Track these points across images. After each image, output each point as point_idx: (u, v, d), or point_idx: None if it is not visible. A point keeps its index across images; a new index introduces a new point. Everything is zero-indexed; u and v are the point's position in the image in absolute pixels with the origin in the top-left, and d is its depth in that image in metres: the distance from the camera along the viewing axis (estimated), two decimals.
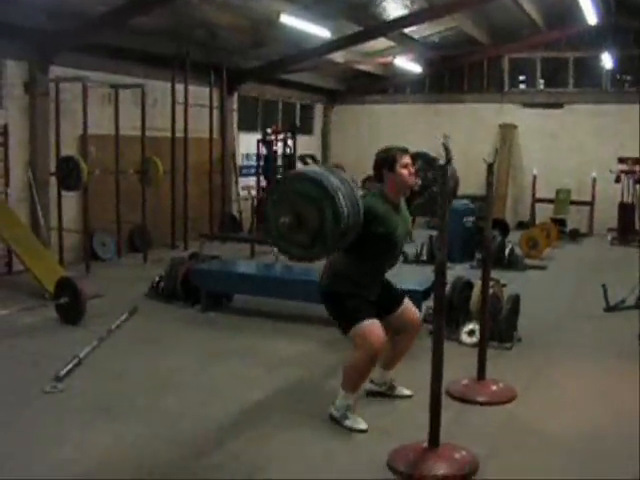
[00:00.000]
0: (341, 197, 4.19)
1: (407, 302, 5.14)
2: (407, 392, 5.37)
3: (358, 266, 4.74)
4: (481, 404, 5.28)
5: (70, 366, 5.81)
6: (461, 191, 12.64)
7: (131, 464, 4.24)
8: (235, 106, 15.24)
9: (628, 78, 16.66)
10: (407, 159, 4.82)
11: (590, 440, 4.68)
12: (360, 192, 4.59)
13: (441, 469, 4.15)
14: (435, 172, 5.33)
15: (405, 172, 4.77)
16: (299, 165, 15.33)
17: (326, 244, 4.31)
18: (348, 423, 4.76)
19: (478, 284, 6.31)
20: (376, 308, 4.81)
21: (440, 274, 4.17)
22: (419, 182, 5.05)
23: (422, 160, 5.46)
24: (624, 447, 4.53)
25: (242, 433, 4.75)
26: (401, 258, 10.58)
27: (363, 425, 4.74)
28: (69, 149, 10.41)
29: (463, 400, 5.30)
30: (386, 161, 4.81)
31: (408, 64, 16.08)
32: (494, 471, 4.19)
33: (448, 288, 6.67)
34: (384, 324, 4.76)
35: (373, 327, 4.64)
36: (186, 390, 5.58)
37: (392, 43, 15.00)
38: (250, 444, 4.57)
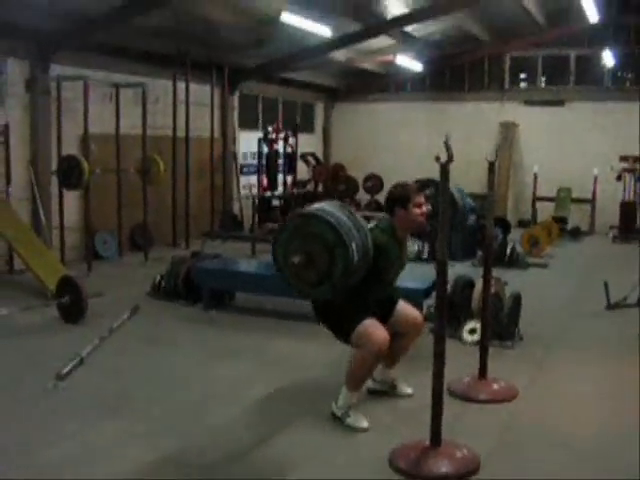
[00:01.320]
0: (354, 246, 4.23)
1: (402, 304, 5.16)
2: (409, 390, 5.38)
3: (354, 287, 4.66)
4: (483, 402, 5.28)
5: (72, 365, 5.82)
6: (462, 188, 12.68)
7: (133, 463, 4.24)
8: (236, 104, 15.25)
9: (629, 76, 16.66)
10: (421, 198, 4.87)
11: (591, 439, 4.69)
12: (369, 224, 4.67)
13: (443, 467, 4.15)
14: (434, 188, 5.36)
15: (418, 211, 4.83)
16: (300, 163, 15.42)
17: (332, 286, 4.31)
18: (350, 421, 4.76)
19: (479, 282, 6.30)
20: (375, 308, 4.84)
21: (441, 273, 4.17)
22: (429, 208, 5.01)
23: (433, 187, 5.49)
24: (625, 446, 4.53)
25: (244, 432, 4.75)
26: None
27: (365, 423, 4.75)
28: (70, 148, 10.41)
29: (465, 398, 5.30)
30: (400, 199, 4.85)
31: (409, 62, 16.07)
32: (495, 470, 4.19)
33: (449, 287, 6.67)
34: (387, 328, 4.77)
35: (375, 325, 4.65)
36: (189, 389, 5.59)
37: (393, 41, 14.97)
38: (252, 443, 4.57)
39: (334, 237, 4.23)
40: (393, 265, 4.88)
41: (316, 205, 4.62)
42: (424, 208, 4.86)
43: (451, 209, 4.69)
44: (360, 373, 4.78)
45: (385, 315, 4.98)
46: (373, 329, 4.63)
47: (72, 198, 10.70)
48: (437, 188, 5.40)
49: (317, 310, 4.90)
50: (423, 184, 5.18)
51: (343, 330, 4.75)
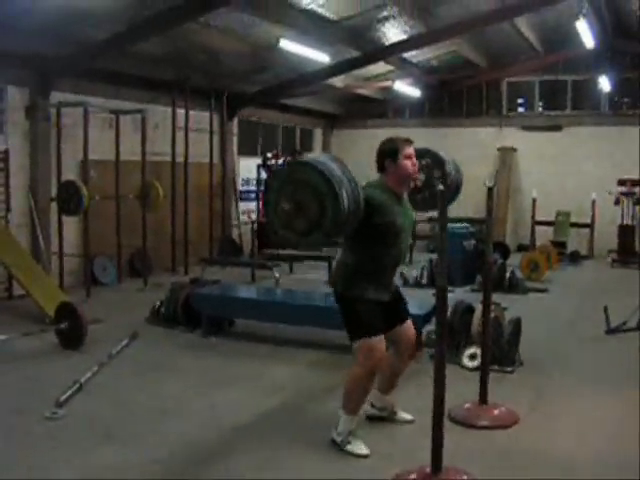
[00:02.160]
0: (344, 194, 4.17)
1: (409, 322, 5.13)
2: (408, 417, 5.34)
3: (364, 259, 4.70)
4: (483, 428, 5.26)
5: (71, 392, 5.79)
6: (461, 214, 12.73)
7: None
8: (235, 130, 15.32)
9: (626, 100, 16.76)
10: (411, 150, 4.78)
11: (591, 465, 4.66)
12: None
13: None
14: (440, 172, 5.32)
15: (408, 163, 4.74)
16: None
17: (322, 234, 4.30)
18: (350, 448, 4.73)
19: (479, 308, 6.30)
20: (385, 316, 4.79)
21: (441, 299, 4.17)
22: (422, 177, 4.99)
23: (430, 158, 5.42)
24: (625, 473, 4.51)
25: (243, 459, 4.73)
26: (401, 281, 10.62)
27: (365, 450, 4.72)
28: (70, 174, 10.45)
29: (465, 424, 5.28)
30: (389, 151, 4.77)
31: (407, 88, 16.16)
32: None
33: (449, 312, 6.67)
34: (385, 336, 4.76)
35: (379, 345, 4.64)
36: (187, 416, 5.55)
37: (391, 67, 15.10)
38: (251, 470, 4.54)
39: (325, 185, 4.18)
40: (396, 221, 4.70)
41: (310, 155, 4.64)
42: (414, 159, 4.78)
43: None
44: (355, 393, 4.76)
45: (393, 321, 4.95)
46: (376, 348, 4.62)
47: (71, 224, 10.71)
48: (434, 160, 5.39)
49: (336, 298, 4.85)
50: (420, 153, 5.11)
51: (353, 331, 4.73)
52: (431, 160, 5.39)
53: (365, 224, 4.52)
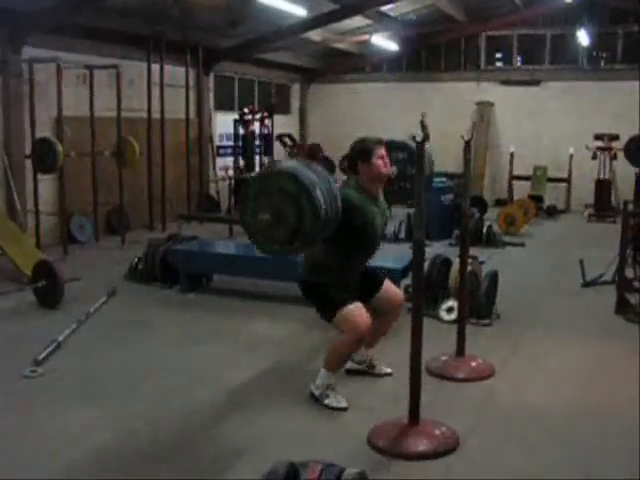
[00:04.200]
0: (318, 191, 4.14)
1: (387, 283, 5.17)
2: (387, 370, 5.40)
3: (337, 257, 4.74)
4: (460, 381, 5.33)
5: (49, 350, 5.78)
6: (438, 168, 12.73)
7: (112, 450, 4.24)
8: (211, 86, 15.14)
9: (604, 55, 16.72)
10: (382, 150, 4.81)
11: (568, 414, 4.75)
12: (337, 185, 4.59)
13: (421, 445, 4.18)
14: (407, 152, 5.36)
15: (380, 163, 4.77)
16: (276, 144, 15.37)
17: (306, 239, 4.23)
18: (328, 401, 4.78)
19: (456, 261, 6.34)
20: (358, 293, 4.83)
21: (418, 252, 4.18)
22: (395, 170, 5.02)
23: (407, 153, 5.46)
24: (601, 420, 4.63)
25: (224, 415, 4.77)
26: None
27: (343, 403, 4.77)
28: (44, 131, 10.29)
29: (443, 377, 5.34)
30: (362, 153, 4.80)
31: (385, 42, 16.01)
32: (474, 446, 4.24)
33: (426, 266, 6.71)
34: (367, 307, 4.77)
35: (358, 310, 4.66)
36: (167, 373, 5.57)
37: (369, 21, 14.93)
38: (232, 426, 4.59)
39: (295, 186, 4.14)
40: (374, 222, 4.77)
41: (271, 166, 4.65)
42: (387, 159, 4.81)
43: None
44: (341, 356, 4.83)
45: (369, 292, 5.00)
46: (356, 314, 4.63)
47: (47, 182, 10.59)
48: (396, 147, 5.45)
49: (303, 288, 4.92)
50: (396, 146, 5.14)
51: (326, 310, 4.75)
52: (407, 156, 5.44)
53: (344, 226, 4.49)
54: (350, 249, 4.76)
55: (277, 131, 15.35)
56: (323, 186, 4.21)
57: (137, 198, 12.39)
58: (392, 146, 5.29)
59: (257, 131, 14.24)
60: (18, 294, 7.57)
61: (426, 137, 4.04)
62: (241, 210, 4.43)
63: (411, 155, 5.37)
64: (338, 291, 4.72)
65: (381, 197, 4.97)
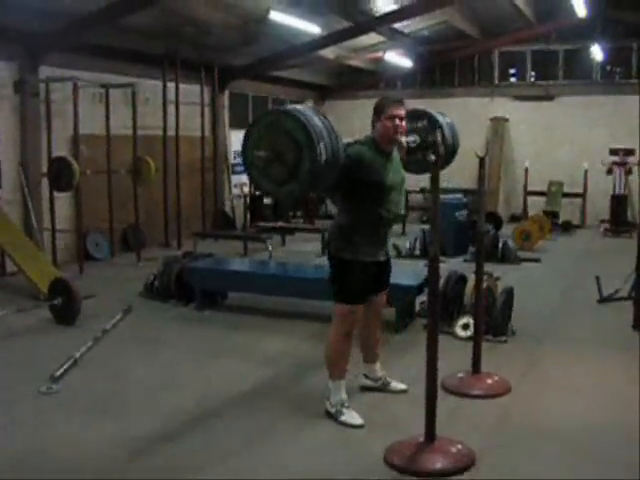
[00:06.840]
0: (322, 146, 4.15)
1: (382, 293, 5.23)
2: (402, 387, 5.38)
3: (356, 219, 4.73)
4: (476, 397, 5.29)
5: (65, 366, 5.81)
6: (453, 185, 12.72)
7: (127, 464, 4.24)
8: (226, 103, 15.24)
9: (618, 69, 16.70)
10: (397, 111, 4.77)
11: (585, 432, 4.69)
12: (349, 140, 4.62)
13: (437, 463, 4.16)
14: (426, 120, 5.31)
15: (389, 124, 4.74)
16: None
17: (298, 184, 4.27)
18: (344, 418, 4.76)
19: (472, 278, 6.32)
20: (372, 284, 4.89)
21: (434, 269, 4.17)
22: (404, 139, 4.90)
23: (428, 121, 5.39)
24: (619, 439, 4.56)
25: (238, 431, 4.75)
26: (394, 252, 10.63)
27: (359, 420, 4.75)
28: (60, 149, 10.38)
29: (458, 394, 5.31)
30: (377, 108, 4.84)
31: (399, 59, 16.07)
32: (490, 464, 4.20)
33: (442, 282, 6.69)
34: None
35: (356, 314, 4.79)
36: (182, 389, 5.57)
37: (382, 38, 15.00)
38: (246, 441, 4.57)
39: (304, 136, 4.16)
40: (384, 179, 4.71)
41: (290, 105, 4.65)
42: (397, 121, 4.75)
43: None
44: (335, 357, 4.86)
45: (376, 289, 5.03)
46: (351, 316, 4.77)
47: (63, 200, 10.67)
48: (431, 123, 5.35)
49: (330, 263, 4.91)
50: (418, 114, 5.10)
51: (338, 292, 4.82)
52: (428, 123, 5.37)
53: (352, 181, 4.57)
54: (366, 208, 4.72)
55: None
56: (328, 139, 4.23)
57: (152, 215, 12.46)
58: (413, 115, 5.24)
59: None
60: (35, 311, 7.60)
61: (440, 158, 4.04)
62: (243, 143, 4.44)
63: (432, 123, 5.35)
64: (356, 282, 4.75)
65: (396, 156, 4.92)
